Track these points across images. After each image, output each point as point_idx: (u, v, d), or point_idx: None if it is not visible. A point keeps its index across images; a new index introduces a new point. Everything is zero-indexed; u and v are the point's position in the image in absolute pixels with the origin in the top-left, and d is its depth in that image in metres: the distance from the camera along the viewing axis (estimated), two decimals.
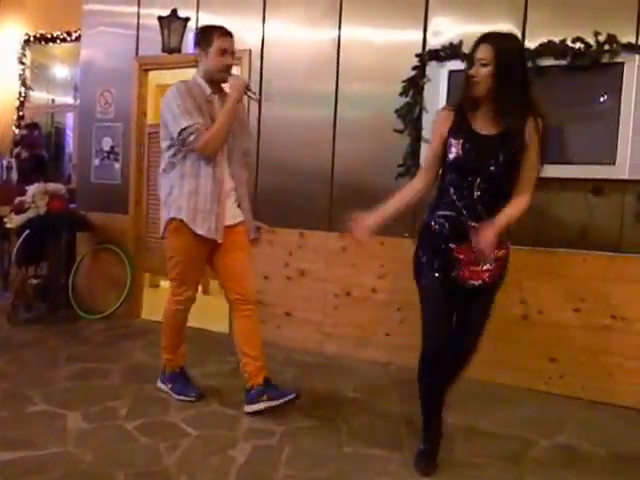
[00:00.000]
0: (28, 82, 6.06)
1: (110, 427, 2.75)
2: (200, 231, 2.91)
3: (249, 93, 2.93)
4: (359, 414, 3.03)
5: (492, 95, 2.22)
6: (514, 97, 2.21)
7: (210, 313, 4.73)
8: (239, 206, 3.06)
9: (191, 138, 2.80)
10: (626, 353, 3.28)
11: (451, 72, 3.53)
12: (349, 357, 3.94)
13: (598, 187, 3.30)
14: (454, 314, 2.47)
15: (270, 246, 4.21)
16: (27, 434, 2.63)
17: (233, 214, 3.02)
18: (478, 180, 2.26)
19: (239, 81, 2.92)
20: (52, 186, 4.76)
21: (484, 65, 2.19)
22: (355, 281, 3.96)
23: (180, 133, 2.80)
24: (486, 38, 2.22)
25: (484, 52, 2.19)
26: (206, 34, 2.91)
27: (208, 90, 2.92)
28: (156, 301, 5.33)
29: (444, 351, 2.42)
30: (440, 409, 2.54)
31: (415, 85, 3.66)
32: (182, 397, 3.10)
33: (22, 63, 6.02)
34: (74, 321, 4.58)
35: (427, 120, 3.61)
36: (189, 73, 5.18)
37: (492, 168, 2.24)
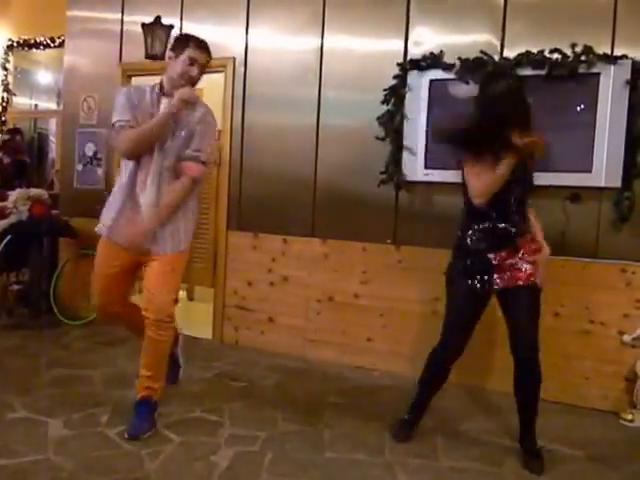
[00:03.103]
0: (11, 87, 6.03)
1: (92, 434, 2.74)
2: (96, 228, 2.86)
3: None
4: (342, 419, 3.05)
5: None
6: None
7: (194, 319, 4.74)
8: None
9: (113, 134, 2.79)
10: (603, 357, 3.34)
11: (432, 81, 3.59)
12: (331, 362, 3.96)
13: (575, 194, 3.37)
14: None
15: (253, 252, 4.23)
16: (7, 442, 2.61)
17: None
18: None
19: (182, 94, 2.65)
20: (34, 191, 4.74)
21: None
22: (338, 287, 3.99)
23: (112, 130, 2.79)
24: None
25: None
26: (183, 40, 2.79)
27: (156, 92, 2.78)
28: None
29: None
30: (433, 395, 2.85)
31: (396, 94, 3.70)
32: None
33: (5, 69, 5.99)
34: (56, 327, 4.55)
35: (408, 128, 3.67)
36: None
37: None
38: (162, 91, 2.78)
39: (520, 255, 2.57)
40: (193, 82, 2.76)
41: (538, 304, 2.61)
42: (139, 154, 2.71)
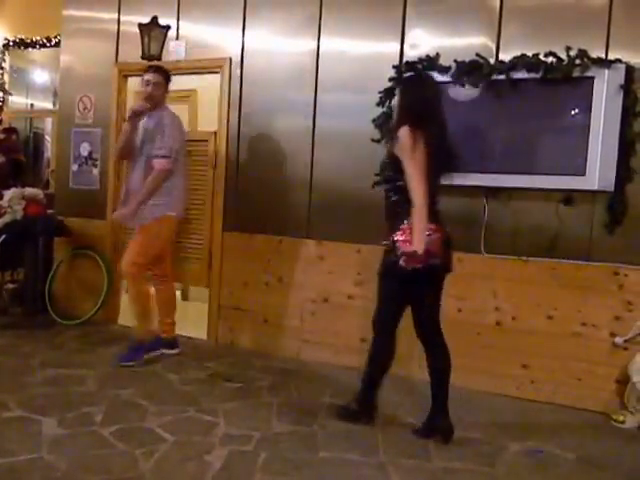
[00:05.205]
0: (7, 87, 6.02)
1: (86, 433, 2.75)
2: None
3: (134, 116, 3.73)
4: (335, 419, 3.06)
5: None
6: None
7: (189, 319, 4.73)
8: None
9: None
10: (595, 359, 3.37)
11: None
12: (326, 363, 3.97)
13: (569, 197, 3.39)
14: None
15: (249, 253, 4.24)
16: (1, 440, 2.61)
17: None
18: None
19: (131, 107, 3.82)
20: (29, 191, 4.73)
21: None
22: (332, 288, 4.00)
23: None
24: None
25: None
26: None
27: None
28: None
29: None
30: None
31: (392, 96, 3.72)
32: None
33: (1, 68, 5.97)
34: (50, 326, 4.55)
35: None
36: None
37: None
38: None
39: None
40: (147, 97, 3.70)
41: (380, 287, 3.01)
42: (124, 157, 3.95)
